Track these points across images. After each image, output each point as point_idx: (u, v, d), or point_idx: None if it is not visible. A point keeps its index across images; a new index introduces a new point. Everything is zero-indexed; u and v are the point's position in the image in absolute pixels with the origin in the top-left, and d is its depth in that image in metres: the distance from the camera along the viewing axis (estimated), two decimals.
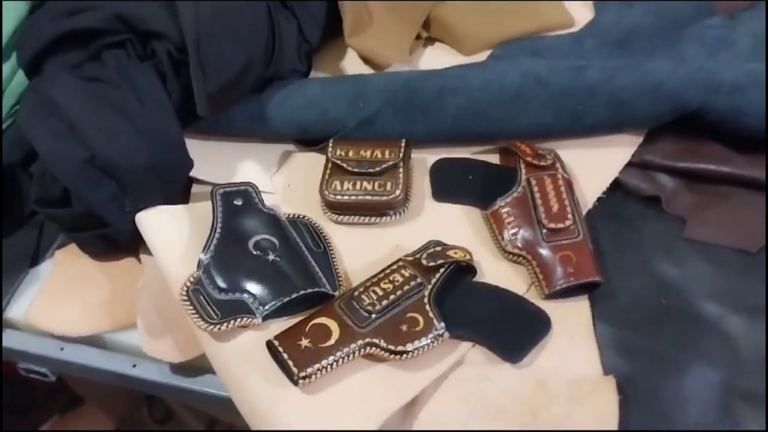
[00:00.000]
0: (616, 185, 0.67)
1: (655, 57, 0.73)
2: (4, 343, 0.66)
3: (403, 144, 0.68)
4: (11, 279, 0.68)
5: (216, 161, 0.72)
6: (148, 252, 0.64)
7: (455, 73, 0.69)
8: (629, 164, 0.68)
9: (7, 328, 0.68)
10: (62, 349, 0.66)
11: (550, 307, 0.59)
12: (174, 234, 0.63)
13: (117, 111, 0.62)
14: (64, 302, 0.66)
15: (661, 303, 0.60)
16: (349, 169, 0.67)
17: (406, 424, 0.55)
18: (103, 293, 0.67)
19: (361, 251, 0.64)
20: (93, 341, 0.66)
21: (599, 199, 0.66)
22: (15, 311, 0.67)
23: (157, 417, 0.96)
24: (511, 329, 0.57)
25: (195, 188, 0.71)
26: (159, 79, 0.64)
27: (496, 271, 0.62)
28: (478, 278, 0.61)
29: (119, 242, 0.67)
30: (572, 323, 0.58)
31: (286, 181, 0.72)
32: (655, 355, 0.57)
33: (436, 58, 0.80)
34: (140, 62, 0.64)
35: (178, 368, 0.63)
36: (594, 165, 0.68)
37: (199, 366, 0.62)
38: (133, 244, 0.67)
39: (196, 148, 0.69)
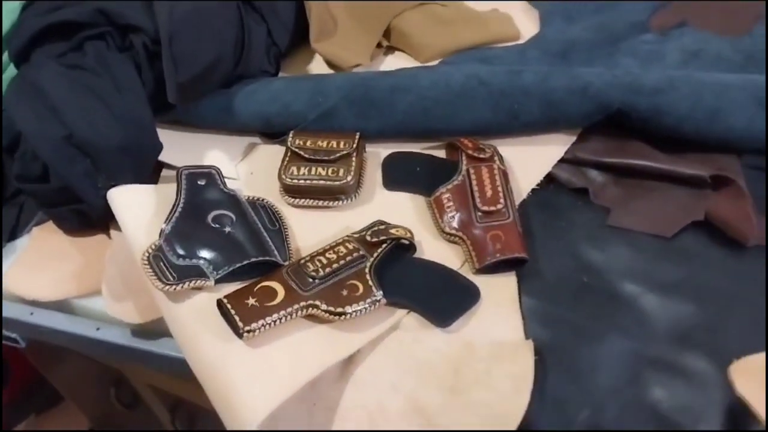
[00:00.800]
0: (549, 179, 0.73)
1: (593, 67, 0.80)
2: None
3: (357, 136, 0.74)
4: None
5: (185, 149, 0.78)
6: (118, 228, 0.69)
7: (407, 73, 0.76)
8: (562, 160, 0.74)
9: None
10: (32, 313, 0.71)
11: (480, 281, 0.64)
12: (142, 210, 0.69)
13: (95, 96, 0.68)
14: (36, 271, 0.72)
15: (583, 281, 0.65)
16: (306, 156, 0.73)
17: (342, 379, 0.60)
18: (74, 264, 0.72)
19: (313, 231, 0.70)
20: (61, 307, 0.71)
21: (533, 191, 0.72)
22: None
23: (125, 401, 1.00)
24: (444, 298, 0.63)
25: (164, 173, 0.77)
26: (135, 69, 0.71)
27: (435, 250, 0.68)
28: (417, 255, 0.67)
29: (92, 217, 0.72)
30: (499, 295, 0.64)
31: (249, 170, 0.78)
32: (573, 325, 0.62)
33: (395, 64, 0.87)
34: (118, 53, 0.70)
35: (138, 332, 0.68)
36: (530, 160, 0.74)
37: (157, 330, 0.67)
38: (104, 220, 0.72)
39: (168, 136, 0.75)
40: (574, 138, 0.75)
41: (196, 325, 0.60)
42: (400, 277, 0.64)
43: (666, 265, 0.65)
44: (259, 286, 0.61)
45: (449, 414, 0.56)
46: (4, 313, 0.71)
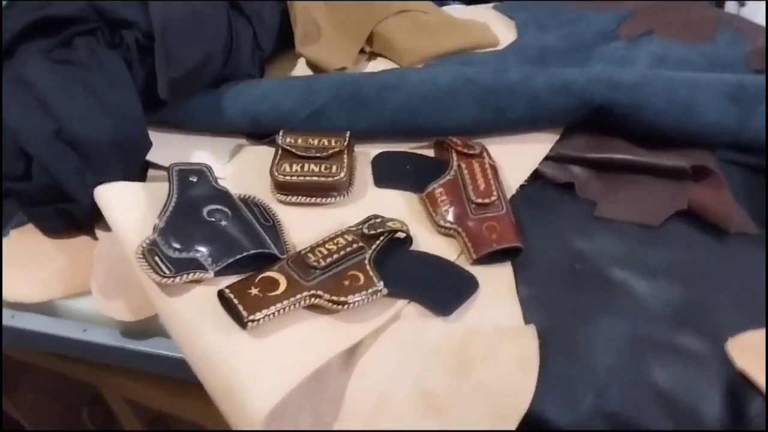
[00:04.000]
0: (536, 175, 0.76)
1: None
2: None
3: (347, 135, 0.75)
4: None
5: (172, 149, 0.77)
6: (105, 229, 0.68)
7: (396, 73, 0.78)
8: (547, 158, 0.76)
9: None
10: (13, 317, 0.68)
11: (477, 271, 0.65)
12: (131, 207, 0.67)
13: (85, 90, 0.67)
14: (18, 272, 0.69)
15: (575, 268, 0.67)
16: (298, 153, 0.73)
17: (346, 369, 0.59)
18: (58, 264, 0.70)
19: (307, 228, 0.70)
20: (44, 310, 0.68)
21: (521, 186, 0.74)
22: None
23: (99, 421, 0.96)
24: (443, 288, 0.64)
25: (151, 172, 0.76)
26: (126, 65, 0.70)
27: (430, 243, 0.68)
28: (413, 249, 0.68)
29: (77, 217, 0.70)
30: (497, 284, 0.65)
31: (237, 170, 0.77)
32: (569, 309, 0.63)
33: (378, 68, 0.88)
34: (109, 49, 0.70)
35: (128, 332, 0.66)
36: (517, 158, 0.76)
37: (148, 329, 0.65)
38: (90, 220, 0.71)
39: (155, 137, 0.74)
40: (557, 136, 0.78)
41: (196, 318, 0.59)
42: (399, 268, 0.65)
43: (653, 251, 0.68)
44: (260, 276, 0.60)
45: (457, 397, 0.56)
46: None
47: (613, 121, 0.75)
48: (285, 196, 0.72)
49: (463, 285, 0.64)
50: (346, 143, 0.74)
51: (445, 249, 0.68)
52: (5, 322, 0.68)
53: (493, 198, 0.68)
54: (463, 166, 0.71)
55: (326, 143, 0.74)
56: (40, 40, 0.69)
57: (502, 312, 0.63)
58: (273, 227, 0.69)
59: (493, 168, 0.72)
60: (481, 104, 0.75)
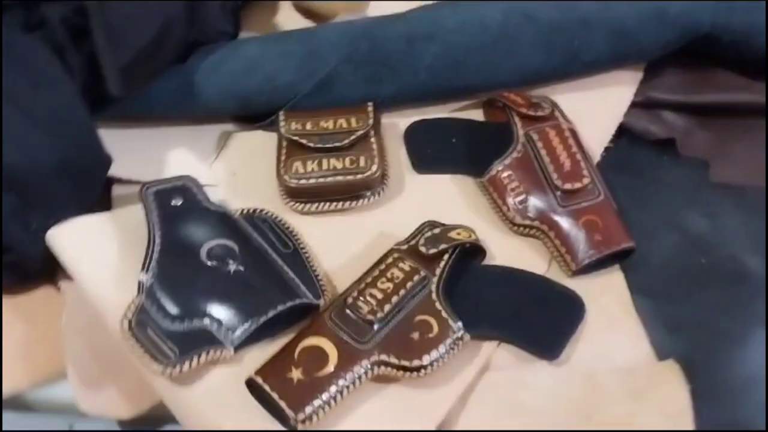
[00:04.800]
0: (620, 131, 0.58)
1: None
2: None
3: (370, 108, 0.56)
4: None
5: (138, 154, 0.58)
6: (69, 278, 0.50)
7: (423, 15, 0.57)
8: (633, 105, 0.58)
9: None
10: None
11: (578, 286, 0.49)
12: (98, 251, 0.50)
13: (3, 101, 0.47)
14: None
15: (701, 263, 0.51)
16: (311, 145, 0.54)
17: None
18: (17, 339, 0.52)
19: (337, 245, 0.53)
20: (13, 404, 0.51)
21: (606, 149, 0.57)
22: None
23: None
24: (541, 319, 0.48)
25: (117, 190, 0.56)
26: (54, 53, 0.49)
27: (507, 249, 0.52)
28: (487, 261, 0.51)
29: (28, 270, 0.52)
30: (608, 301, 0.49)
31: (229, 169, 0.58)
32: (705, 327, 0.48)
33: (394, 6, 0.67)
34: (25, 33, 0.48)
35: (129, 423, 0.50)
36: (594, 110, 0.58)
37: (156, 416, 0.49)
38: (46, 271, 0.52)
39: (112, 139, 0.53)
40: (641, 74, 0.60)
41: (221, 414, 0.43)
42: (477, 296, 0.48)
43: None
44: (300, 347, 0.44)
45: None
46: None
47: (717, 51, 0.57)
48: (302, 205, 0.54)
49: (567, 311, 0.48)
50: (371, 121, 0.55)
51: (529, 256, 0.52)
52: None
53: (585, 181, 0.51)
54: (535, 136, 0.53)
55: (345, 125, 0.55)
56: None
57: (622, 341, 0.48)
58: (295, 254, 0.51)
59: (573, 133, 0.54)
60: (545, 47, 0.56)
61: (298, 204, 0.54)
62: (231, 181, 0.57)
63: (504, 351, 0.47)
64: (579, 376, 0.46)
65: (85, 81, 0.51)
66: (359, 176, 0.53)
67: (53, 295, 0.53)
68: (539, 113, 0.55)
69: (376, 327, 0.44)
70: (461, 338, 0.45)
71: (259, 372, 0.42)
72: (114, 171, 0.54)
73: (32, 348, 0.52)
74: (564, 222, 0.50)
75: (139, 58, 0.51)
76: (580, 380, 0.45)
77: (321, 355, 0.43)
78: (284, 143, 0.55)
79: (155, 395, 0.47)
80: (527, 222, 0.51)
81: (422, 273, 0.47)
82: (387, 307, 0.45)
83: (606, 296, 0.49)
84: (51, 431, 0.54)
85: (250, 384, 0.42)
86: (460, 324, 0.45)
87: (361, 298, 0.45)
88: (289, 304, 0.46)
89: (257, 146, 0.59)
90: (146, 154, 0.58)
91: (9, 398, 0.50)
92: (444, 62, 0.56)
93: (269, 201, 0.55)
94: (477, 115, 0.60)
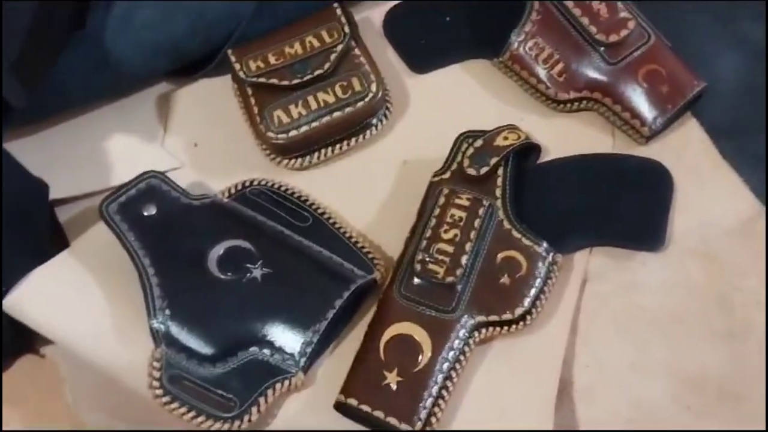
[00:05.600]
0: None
1: None
2: None
3: (339, 11, 0.44)
4: None
5: (71, 161, 0.45)
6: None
7: None
8: None
9: None
10: None
11: (653, 150, 0.42)
12: (78, 304, 0.39)
13: None
14: None
15: None
16: (285, 83, 0.42)
17: (564, 399, 0.37)
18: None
19: (357, 197, 0.43)
20: None
21: None
22: None
23: None
24: (630, 206, 0.40)
25: (62, 214, 0.44)
26: None
27: (559, 135, 0.43)
28: (541, 156, 0.42)
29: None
30: (691, 156, 0.42)
31: (187, 141, 0.46)
32: None
33: None
34: None
35: None
36: None
37: None
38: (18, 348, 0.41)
39: (31, 157, 0.41)
40: None
41: None
42: (549, 204, 0.40)
43: None
44: (383, 342, 0.35)
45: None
46: None
47: None
48: (295, 160, 0.43)
49: (654, 186, 0.40)
50: (346, 28, 0.43)
51: (587, 136, 0.43)
52: None
53: (631, 25, 0.41)
54: None
55: (316, 43, 0.43)
56: None
57: (719, 196, 0.41)
58: (318, 225, 0.41)
59: None
60: None
61: (292, 161, 0.43)
62: (194, 154, 0.45)
63: (599, 255, 0.40)
64: (694, 256, 0.39)
65: None
66: (359, 104, 0.42)
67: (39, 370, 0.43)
68: None
69: (459, 288, 0.36)
70: (554, 262, 0.38)
71: (347, 391, 0.34)
72: (53, 194, 0.42)
73: None
74: (620, 82, 0.41)
75: (30, 44, 0.37)
76: (698, 261, 0.39)
77: (411, 344, 0.35)
78: (249, 90, 0.43)
79: None
80: (574, 95, 0.42)
81: (485, 202, 0.38)
82: (464, 259, 0.36)
83: (687, 151, 0.42)
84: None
85: (342, 407, 0.34)
86: (546, 245, 0.37)
87: (429, 258, 0.36)
88: (346, 293, 0.37)
89: (210, 102, 0.47)
90: (79, 158, 0.45)
91: None
92: None
93: (252, 167, 0.44)
94: None
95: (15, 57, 0.36)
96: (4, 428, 0.45)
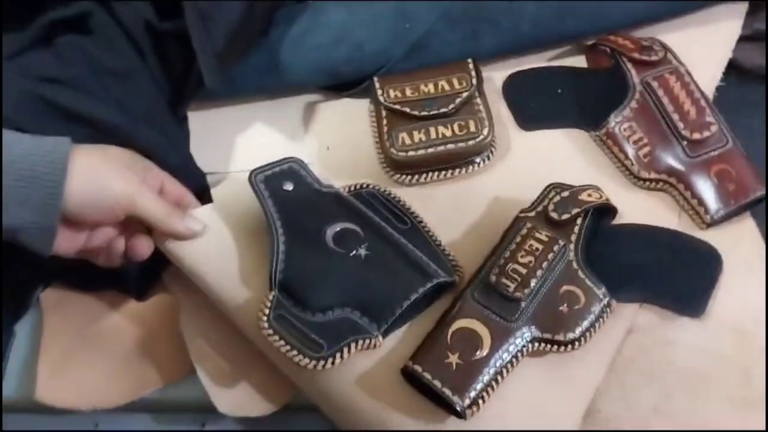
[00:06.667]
0: (728, 68, 0.55)
1: None
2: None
3: (471, 66, 0.53)
4: None
5: (216, 137, 0.55)
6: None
7: None
8: (741, 39, 0.55)
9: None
10: (97, 425, 0.50)
11: (711, 236, 0.48)
12: (216, 246, 0.48)
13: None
14: (76, 367, 0.50)
15: None
16: (415, 113, 0.52)
17: (588, 422, 0.43)
18: (133, 343, 0.51)
19: (452, 216, 0.51)
20: (141, 406, 0.50)
21: (717, 89, 0.54)
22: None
23: None
24: (682, 275, 0.46)
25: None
26: (138, 55, 0.46)
27: (633, 205, 0.50)
28: (615, 219, 0.49)
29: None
30: (743, 249, 0.48)
31: (322, 144, 0.55)
32: None
33: None
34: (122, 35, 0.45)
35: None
36: (701, 48, 0.55)
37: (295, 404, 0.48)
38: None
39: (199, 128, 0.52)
40: (745, 5, 0.56)
41: (376, 406, 0.42)
42: (614, 259, 0.47)
43: None
44: (452, 331, 0.42)
45: None
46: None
47: None
48: (408, 177, 0.52)
49: (706, 264, 0.47)
50: (474, 81, 0.52)
51: (657, 210, 0.50)
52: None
53: (713, 129, 0.49)
54: (654, 84, 0.51)
55: (447, 87, 0.52)
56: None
57: (763, 287, 0.46)
58: (414, 230, 0.49)
59: (691, 77, 0.52)
60: None
61: (404, 176, 0.52)
62: (325, 156, 0.55)
63: (647, 311, 0.46)
64: (728, 330, 0.45)
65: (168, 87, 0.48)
66: (470, 142, 0.51)
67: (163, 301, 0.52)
68: (653, 57, 0.52)
69: (523, 304, 0.43)
70: (608, 305, 0.44)
71: (415, 359, 0.41)
72: (203, 166, 0.52)
73: (152, 351, 0.51)
74: (694, 174, 0.48)
75: (231, 40, 0.48)
76: (729, 334, 0.44)
77: (474, 338, 0.42)
78: (384, 113, 0.52)
79: (293, 389, 0.46)
80: (654, 176, 0.49)
81: (561, 242, 0.45)
82: (533, 282, 0.43)
83: (741, 244, 0.48)
84: None
85: (409, 372, 0.41)
86: (605, 290, 0.44)
87: (505, 274, 0.44)
88: (429, 285, 0.44)
89: (348, 116, 0.56)
90: (231, 141, 0.55)
91: (138, 400, 0.50)
92: (548, 11, 0.52)
93: (370, 174, 0.53)
94: (578, 61, 0.57)
95: (220, 47, 0.47)
96: None
